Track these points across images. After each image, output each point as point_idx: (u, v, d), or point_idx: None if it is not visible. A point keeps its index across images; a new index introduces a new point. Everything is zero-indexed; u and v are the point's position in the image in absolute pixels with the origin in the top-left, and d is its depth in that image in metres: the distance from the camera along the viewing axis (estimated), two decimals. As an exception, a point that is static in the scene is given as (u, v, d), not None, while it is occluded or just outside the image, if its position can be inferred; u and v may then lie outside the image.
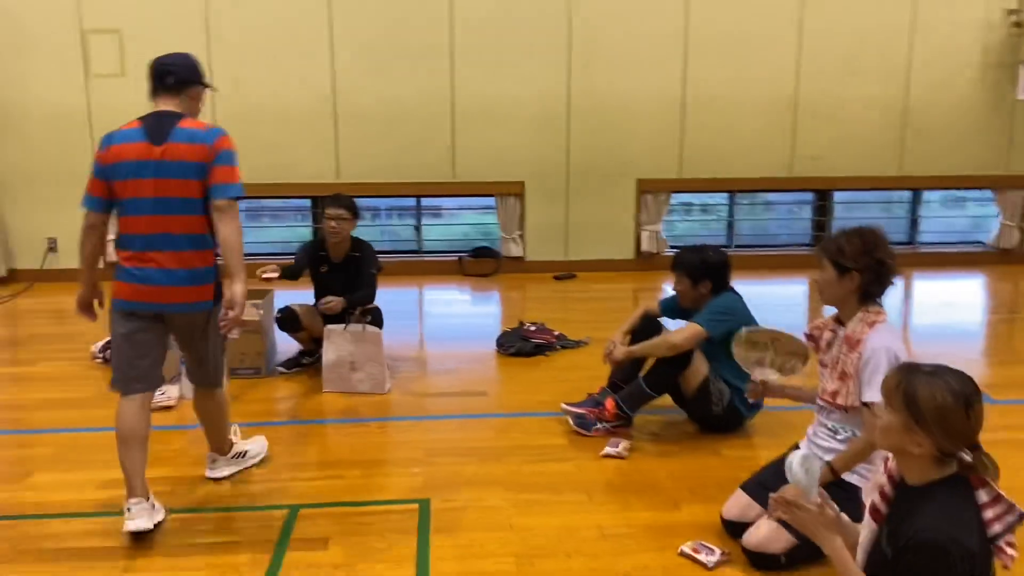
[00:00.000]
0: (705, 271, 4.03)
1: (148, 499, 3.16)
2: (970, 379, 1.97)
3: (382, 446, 4.05)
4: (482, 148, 7.62)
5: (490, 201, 7.93)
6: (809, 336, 3.14)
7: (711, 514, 3.23)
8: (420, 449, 3.95)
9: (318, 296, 5.03)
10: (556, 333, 5.56)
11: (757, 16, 7.60)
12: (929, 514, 1.94)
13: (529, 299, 7.14)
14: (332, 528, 3.22)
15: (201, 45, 7.08)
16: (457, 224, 8.79)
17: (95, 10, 7.10)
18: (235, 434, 3.79)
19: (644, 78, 7.61)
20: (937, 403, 1.92)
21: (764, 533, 2.90)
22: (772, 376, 3.32)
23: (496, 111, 7.56)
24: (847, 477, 2.90)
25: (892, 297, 2.95)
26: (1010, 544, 1.96)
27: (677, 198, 8.33)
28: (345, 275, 4.89)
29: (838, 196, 8.33)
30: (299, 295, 5.13)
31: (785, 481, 2.28)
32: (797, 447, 3.16)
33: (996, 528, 1.95)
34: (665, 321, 4.31)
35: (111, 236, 3.25)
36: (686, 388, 4.01)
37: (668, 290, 4.26)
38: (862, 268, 2.87)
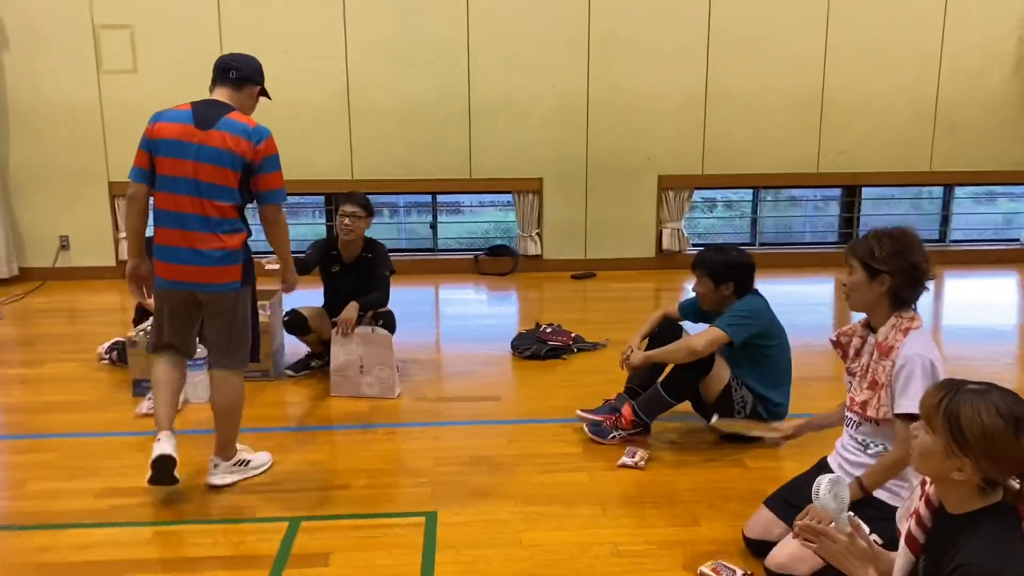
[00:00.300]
0: (729, 272, 3.83)
1: (171, 431, 3.35)
2: (1020, 399, 1.78)
3: (389, 454, 3.90)
4: (499, 144, 7.45)
5: (511, 197, 7.75)
6: (835, 343, 2.96)
7: (733, 531, 3.07)
8: (428, 457, 3.81)
9: (328, 297, 4.91)
10: (573, 335, 5.40)
11: (781, 7, 7.36)
12: (973, 547, 1.75)
13: (546, 299, 6.97)
14: (334, 542, 3.08)
15: (213, 41, 6.98)
16: (477, 222, 8.65)
17: (107, 6, 6.99)
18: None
19: (665, 72, 7.40)
20: (983, 425, 1.74)
21: (789, 554, 2.71)
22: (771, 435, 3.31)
23: (514, 106, 7.38)
24: (877, 494, 2.72)
25: (923, 296, 2.76)
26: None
27: (700, 194, 8.13)
28: (356, 276, 4.76)
29: (866, 192, 8.10)
30: (308, 298, 4.99)
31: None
32: (825, 461, 2.98)
33: (1048, 563, 1.76)
34: (686, 324, 4.13)
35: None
36: (707, 395, 3.83)
37: (690, 290, 4.07)
38: (894, 271, 2.69)
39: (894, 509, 2.39)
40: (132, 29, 7.04)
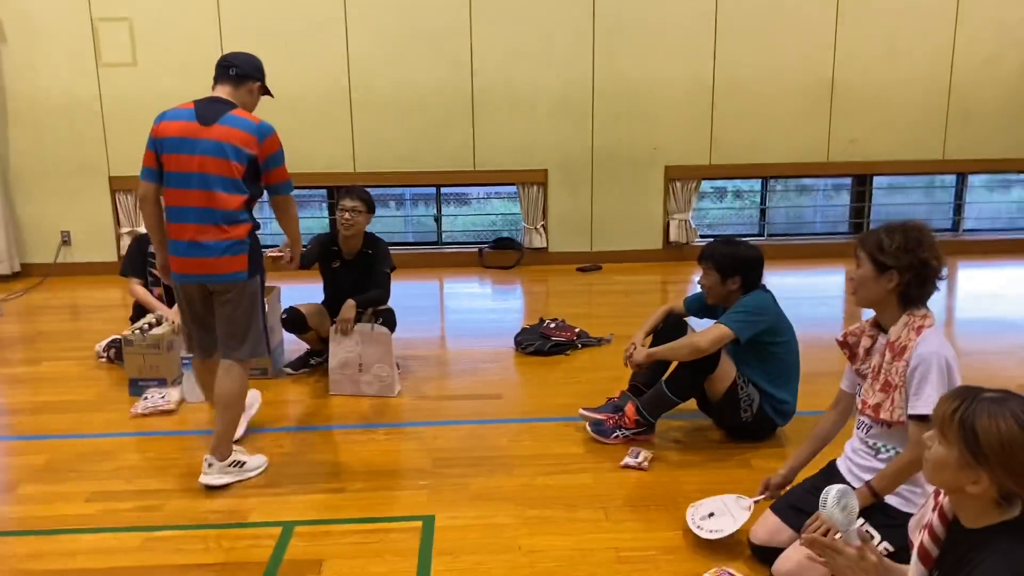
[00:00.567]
0: (737, 266, 3.72)
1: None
2: (1041, 408, 1.67)
3: (387, 455, 3.81)
4: (503, 135, 7.33)
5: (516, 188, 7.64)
6: (842, 343, 2.85)
7: (739, 535, 2.96)
8: (427, 458, 3.72)
9: (327, 293, 4.83)
10: (577, 330, 5.29)
11: (791, -8, 7.22)
12: (990, 564, 1.65)
13: (551, 292, 6.86)
14: (328, 548, 3.00)
15: (213, 32, 6.90)
16: (484, 214, 8.53)
17: (105, -2, 6.92)
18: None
19: (672, 60, 7.26)
20: (1001, 436, 1.63)
21: (796, 561, 2.61)
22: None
23: (518, 97, 7.26)
24: (889, 500, 2.61)
25: (934, 295, 2.65)
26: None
27: (709, 183, 7.99)
28: (356, 272, 4.66)
29: (877, 181, 7.94)
30: (307, 293, 4.91)
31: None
32: (833, 465, 2.88)
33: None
34: (692, 320, 4.03)
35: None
36: (712, 393, 3.73)
37: (696, 282, 3.95)
38: (903, 267, 2.57)
39: (906, 515, 2.29)
40: (131, 21, 6.95)
